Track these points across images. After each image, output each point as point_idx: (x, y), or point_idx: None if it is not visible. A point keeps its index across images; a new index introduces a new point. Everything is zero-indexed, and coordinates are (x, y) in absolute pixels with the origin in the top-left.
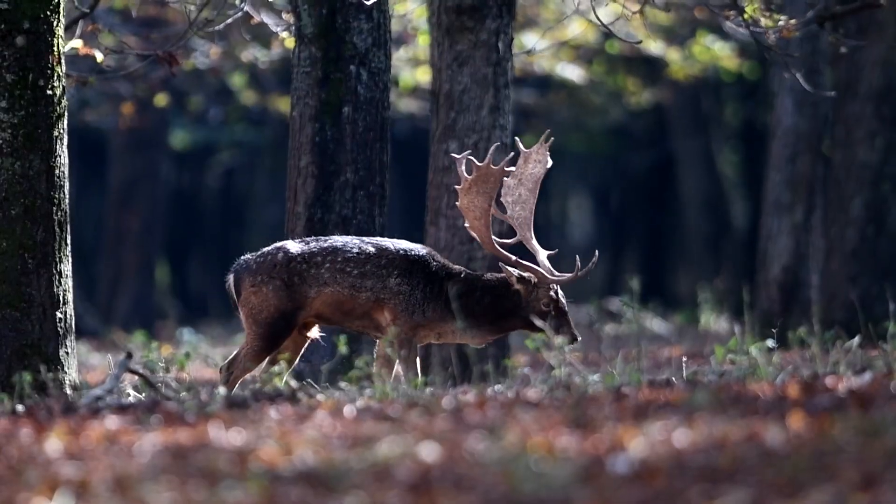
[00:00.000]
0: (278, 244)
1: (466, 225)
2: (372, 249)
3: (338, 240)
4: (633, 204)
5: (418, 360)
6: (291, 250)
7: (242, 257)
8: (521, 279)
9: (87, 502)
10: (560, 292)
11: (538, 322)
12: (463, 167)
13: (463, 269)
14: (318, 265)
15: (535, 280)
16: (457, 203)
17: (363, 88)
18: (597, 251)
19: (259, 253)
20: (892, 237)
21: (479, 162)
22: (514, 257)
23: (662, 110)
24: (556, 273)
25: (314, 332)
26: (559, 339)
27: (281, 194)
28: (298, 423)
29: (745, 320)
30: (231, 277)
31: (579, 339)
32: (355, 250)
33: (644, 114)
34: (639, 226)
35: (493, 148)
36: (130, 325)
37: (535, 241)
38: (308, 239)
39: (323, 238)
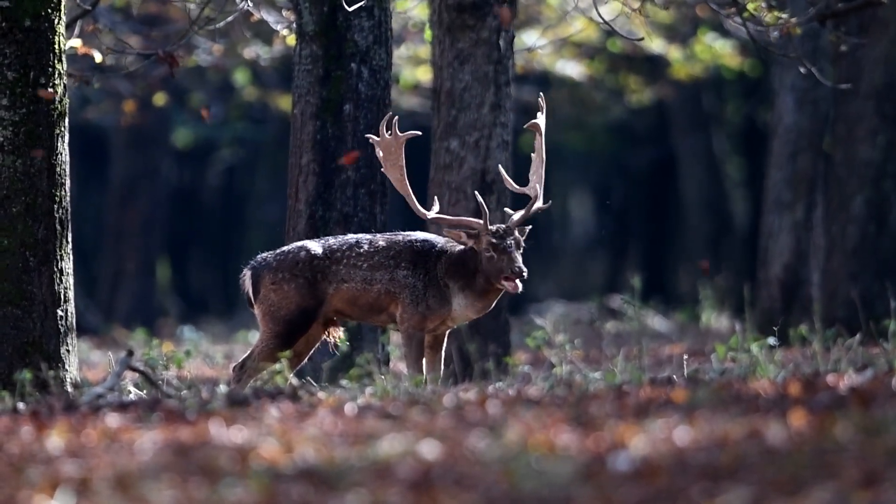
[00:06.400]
0: (298, 243)
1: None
2: (382, 243)
3: (353, 236)
4: (634, 202)
5: (424, 358)
6: (313, 249)
7: (260, 255)
8: (467, 234)
9: (88, 500)
10: (505, 236)
11: (488, 269)
12: (378, 150)
13: (448, 241)
14: (336, 262)
15: (474, 230)
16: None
17: (364, 86)
18: (537, 187)
19: (279, 251)
20: (894, 235)
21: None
22: (449, 217)
23: (663, 108)
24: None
25: (337, 332)
26: (505, 284)
27: (282, 192)
28: (299, 421)
29: (746, 318)
30: (248, 274)
31: (524, 272)
32: (367, 245)
33: (645, 112)
34: (640, 223)
35: (385, 119)
36: (131, 322)
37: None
38: (326, 237)
39: (339, 235)
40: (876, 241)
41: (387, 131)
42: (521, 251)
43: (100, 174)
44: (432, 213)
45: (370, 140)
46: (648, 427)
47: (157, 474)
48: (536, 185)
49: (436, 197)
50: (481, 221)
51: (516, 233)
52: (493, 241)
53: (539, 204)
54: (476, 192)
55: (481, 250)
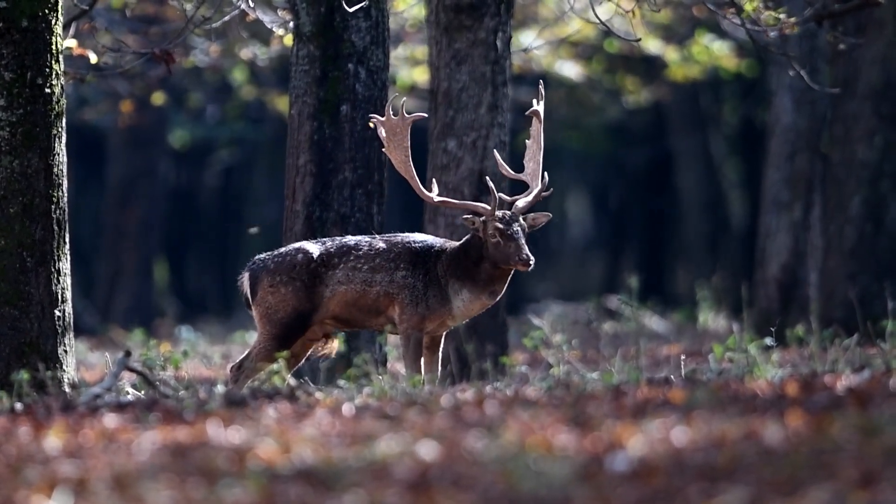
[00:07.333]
0: (296, 245)
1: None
2: (382, 245)
3: (351, 238)
4: (631, 202)
5: (422, 358)
6: (311, 251)
7: (258, 257)
8: (474, 213)
9: (85, 500)
10: (511, 222)
11: (494, 255)
12: (381, 130)
13: (446, 241)
14: (334, 266)
15: (482, 216)
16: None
17: (361, 87)
18: (546, 174)
19: (276, 253)
20: (891, 235)
21: (393, 119)
22: (455, 200)
23: (661, 108)
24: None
25: (333, 345)
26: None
27: (279, 192)
28: (297, 422)
29: (743, 318)
30: (246, 276)
31: (531, 260)
32: (366, 247)
33: (642, 112)
34: (637, 224)
35: (392, 99)
36: (129, 322)
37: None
38: (324, 239)
39: (337, 238)
40: (873, 242)
41: (393, 113)
42: (527, 237)
43: (97, 175)
44: (437, 197)
45: (372, 120)
46: (646, 427)
47: (154, 474)
48: (535, 170)
49: (434, 181)
50: (488, 206)
51: (521, 219)
52: (500, 226)
53: (540, 188)
54: (487, 178)
55: (487, 236)
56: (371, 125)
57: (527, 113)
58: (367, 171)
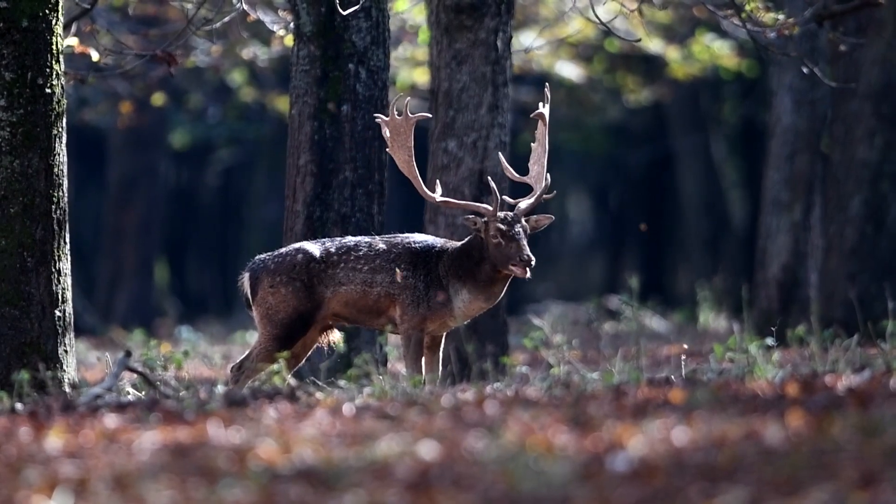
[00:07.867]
0: (296, 245)
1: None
2: (382, 245)
3: (351, 239)
4: (631, 202)
5: (422, 358)
6: (311, 251)
7: (258, 257)
8: (476, 213)
9: (86, 500)
10: (513, 223)
11: (495, 256)
12: (385, 129)
13: (447, 241)
14: (334, 265)
15: (484, 216)
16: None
17: (362, 87)
18: (548, 176)
19: (276, 253)
20: (891, 235)
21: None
22: (457, 200)
23: (661, 108)
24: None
25: (333, 336)
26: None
27: (280, 192)
28: (297, 422)
29: (744, 318)
30: (247, 276)
31: (532, 260)
32: (366, 248)
33: (642, 112)
34: (637, 224)
35: (396, 99)
36: (129, 323)
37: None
38: (323, 240)
39: (337, 238)
40: (874, 242)
41: (397, 113)
42: (528, 239)
43: (98, 175)
44: (440, 197)
45: (378, 119)
46: (646, 427)
47: (155, 475)
48: (539, 173)
49: (438, 181)
50: (489, 207)
51: (523, 220)
52: (502, 227)
53: (543, 190)
54: (489, 178)
55: (489, 237)
56: (379, 117)
57: (532, 115)
58: (367, 171)
